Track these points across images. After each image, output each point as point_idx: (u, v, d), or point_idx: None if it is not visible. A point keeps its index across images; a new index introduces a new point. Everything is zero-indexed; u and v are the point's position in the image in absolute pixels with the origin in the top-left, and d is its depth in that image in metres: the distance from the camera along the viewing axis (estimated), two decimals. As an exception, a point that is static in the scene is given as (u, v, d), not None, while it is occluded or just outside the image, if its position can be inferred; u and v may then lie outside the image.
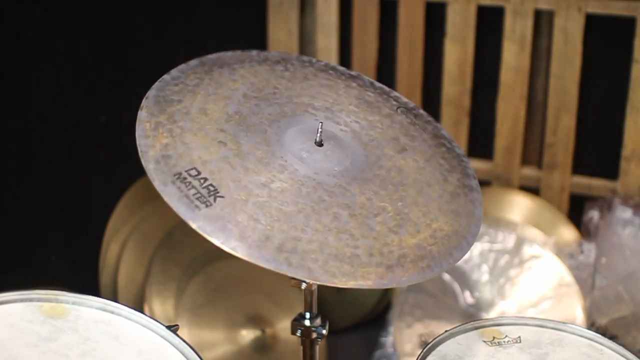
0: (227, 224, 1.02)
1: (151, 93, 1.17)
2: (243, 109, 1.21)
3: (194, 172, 1.07)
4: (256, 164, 1.12)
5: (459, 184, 1.24)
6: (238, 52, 1.32)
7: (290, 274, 1.02)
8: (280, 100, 1.26)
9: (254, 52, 1.34)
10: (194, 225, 1.02)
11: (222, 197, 1.05)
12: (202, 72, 1.25)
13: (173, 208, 1.03)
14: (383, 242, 1.09)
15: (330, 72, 1.37)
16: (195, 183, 1.06)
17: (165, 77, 1.21)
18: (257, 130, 1.18)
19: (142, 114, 1.13)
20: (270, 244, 1.02)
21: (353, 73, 1.39)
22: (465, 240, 1.16)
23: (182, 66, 1.24)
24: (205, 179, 1.07)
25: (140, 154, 1.08)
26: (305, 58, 1.39)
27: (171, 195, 1.03)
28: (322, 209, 1.09)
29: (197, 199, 1.04)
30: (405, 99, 1.38)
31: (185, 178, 1.06)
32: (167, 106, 1.16)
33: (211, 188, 1.06)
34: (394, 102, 1.36)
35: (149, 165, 1.07)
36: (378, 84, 1.38)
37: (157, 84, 1.19)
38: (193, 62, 1.26)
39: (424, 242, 1.12)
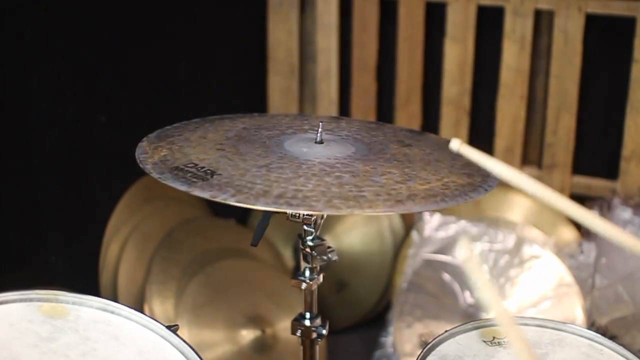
0: (225, 187, 1.03)
1: (152, 134, 1.25)
2: (242, 133, 1.26)
3: (191, 165, 1.10)
4: (255, 157, 1.14)
5: (469, 162, 1.23)
6: (240, 114, 1.40)
7: (291, 211, 0.99)
8: (280, 128, 1.30)
9: (256, 114, 1.41)
10: (192, 192, 1.03)
11: (220, 174, 1.07)
12: (202, 123, 1.32)
13: (171, 185, 1.05)
14: (390, 188, 1.07)
15: (332, 119, 1.43)
16: (193, 170, 1.09)
17: (166, 127, 1.29)
18: (257, 142, 1.22)
19: (142, 144, 1.20)
20: (269, 195, 1.02)
21: (354, 120, 1.44)
22: (482, 187, 1.12)
23: (183, 122, 1.33)
24: (203, 167, 1.10)
25: (139, 163, 1.13)
26: (305, 114, 1.45)
27: (169, 179, 1.06)
28: (324, 175, 1.09)
29: (194, 177, 1.06)
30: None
31: (182, 169, 1.09)
32: (167, 137, 1.23)
33: (209, 171, 1.08)
34: (398, 129, 1.39)
35: (147, 166, 1.11)
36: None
37: (157, 131, 1.27)
38: (194, 120, 1.34)
39: (435, 188, 1.09)
